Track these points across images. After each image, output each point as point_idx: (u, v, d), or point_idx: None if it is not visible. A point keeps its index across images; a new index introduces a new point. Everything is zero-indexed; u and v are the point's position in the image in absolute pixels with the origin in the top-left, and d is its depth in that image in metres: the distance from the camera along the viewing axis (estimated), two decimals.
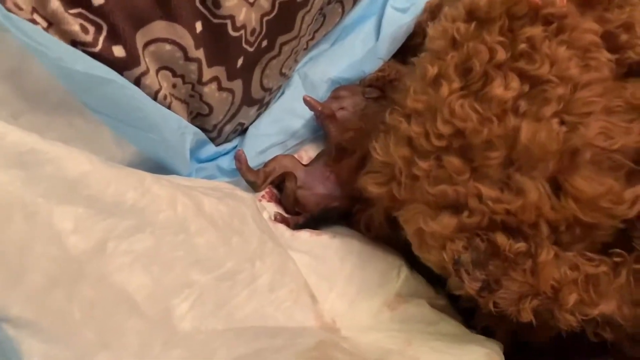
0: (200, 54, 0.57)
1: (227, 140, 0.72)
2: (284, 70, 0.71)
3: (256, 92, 0.68)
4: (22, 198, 0.38)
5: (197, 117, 0.64)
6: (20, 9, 0.45)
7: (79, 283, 0.39)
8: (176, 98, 0.59)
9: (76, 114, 0.48)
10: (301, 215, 0.65)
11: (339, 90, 0.75)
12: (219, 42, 0.58)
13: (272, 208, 0.65)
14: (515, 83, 0.42)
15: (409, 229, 0.49)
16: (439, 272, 0.50)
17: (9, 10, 0.43)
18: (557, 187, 0.42)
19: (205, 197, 0.50)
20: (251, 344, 0.44)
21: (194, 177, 0.61)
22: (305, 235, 0.60)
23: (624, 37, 0.47)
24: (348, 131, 0.63)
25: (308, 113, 0.73)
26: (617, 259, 0.44)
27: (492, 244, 0.43)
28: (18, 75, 0.45)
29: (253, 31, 0.60)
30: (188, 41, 0.55)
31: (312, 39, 0.76)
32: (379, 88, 0.74)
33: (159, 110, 0.52)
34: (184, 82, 0.58)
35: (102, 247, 0.42)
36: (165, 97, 0.56)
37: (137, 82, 0.53)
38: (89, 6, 0.48)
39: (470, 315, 0.58)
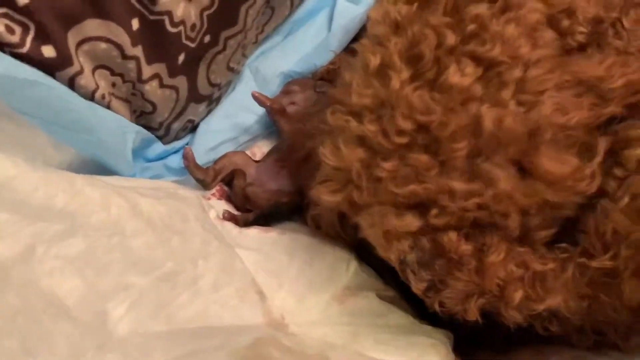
0: (138, 51, 0.56)
1: (177, 138, 0.71)
2: (231, 65, 0.70)
3: (203, 88, 0.67)
4: None
5: (142, 116, 0.63)
6: None
7: (3, 291, 0.38)
8: (116, 97, 0.58)
9: (6, 118, 0.47)
10: (252, 212, 0.64)
11: (290, 84, 0.74)
12: (157, 38, 0.57)
13: (221, 206, 0.64)
14: (470, 68, 0.40)
15: (375, 232, 0.46)
16: None
17: None
18: (522, 171, 0.41)
19: (143, 198, 0.50)
20: (188, 345, 0.44)
21: (138, 177, 0.60)
22: (253, 232, 0.60)
23: (565, 22, 0.46)
24: (289, 135, 0.61)
25: (260, 108, 0.72)
26: (563, 255, 0.44)
27: (437, 244, 0.42)
28: None
29: (193, 26, 0.59)
30: (124, 39, 0.54)
31: (261, 32, 0.75)
32: (330, 81, 0.73)
33: (93, 111, 0.51)
34: (124, 81, 0.57)
35: (30, 252, 0.41)
36: (103, 97, 0.55)
37: (71, 82, 0.52)
38: (13, 6, 0.47)
39: (422, 305, 0.58)
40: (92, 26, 0.52)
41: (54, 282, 0.42)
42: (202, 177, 0.65)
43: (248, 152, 0.72)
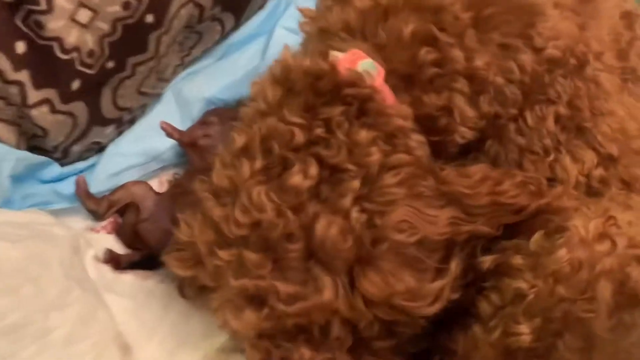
0: (22, 76, 0.52)
1: (81, 159, 0.67)
2: (143, 90, 0.66)
3: (109, 112, 0.64)
4: None
5: (34, 138, 0.59)
6: None
7: None
8: (1, 120, 0.54)
9: None
10: (138, 251, 0.61)
11: (209, 114, 0.71)
12: (46, 64, 0.53)
13: (109, 242, 0.61)
14: (313, 169, 0.38)
15: (218, 320, 0.44)
16: None
17: None
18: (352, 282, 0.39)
19: None
20: None
21: (16, 207, 0.56)
22: (130, 278, 0.56)
23: (443, 120, 0.45)
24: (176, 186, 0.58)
25: None
26: None
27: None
28: None
29: (91, 53, 0.55)
30: (4, 64, 0.50)
31: (187, 55, 0.72)
32: None
33: None
34: (8, 104, 0.54)
35: None
36: None
37: None
38: None
39: None
40: None
41: None
42: (93, 207, 0.61)
43: (155, 182, 0.68)
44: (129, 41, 0.58)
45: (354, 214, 0.37)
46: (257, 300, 0.38)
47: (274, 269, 0.38)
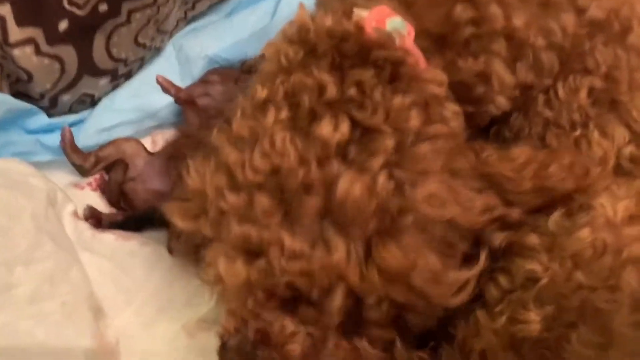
0: (4, 10, 0.48)
1: (72, 111, 0.63)
2: (140, 40, 0.62)
3: (102, 61, 0.59)
4: None
5: (18, 83, 0.56)
6: None
7: None
8: None
9: None
10: (123, 211, 0.57)
11: (210, 73, 0.66)
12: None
13: (92, 199, 0.57)
14: (345, 126, 0.35)
15: (210, 274, 0.40)
16: None
17: None
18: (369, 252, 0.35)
19: None
20: None
21: None
22: (110, 238, 0.52)
23: (480, 88, 0.41)
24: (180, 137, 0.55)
25: None
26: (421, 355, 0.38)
27: (264, 335, 0.36)
28: None
29: None
30: None
31: (192, 8, 0.67)
32: None
33: None
34: None
35: None
36: None
37: None
38: None
39: None
40: None
41: None
42: (79, 162, 0.57)
43: (148, 139, 0.64)
44: None
45: (382, 178, 0.34)
46: (254, 252, 0.35)
47: (284, 220, 0.34)
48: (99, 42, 0.57)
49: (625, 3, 0.44)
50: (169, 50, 0.69)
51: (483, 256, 0.36)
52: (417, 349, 0.39)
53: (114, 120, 0.63)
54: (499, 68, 0.40)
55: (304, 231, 0.34)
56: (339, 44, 0.37)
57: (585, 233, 0.34)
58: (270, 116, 0.37)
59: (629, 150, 0.43)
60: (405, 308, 0.35)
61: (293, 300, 0.35)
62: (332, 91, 0.36)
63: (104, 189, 0.59)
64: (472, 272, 0.35)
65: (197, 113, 0.64)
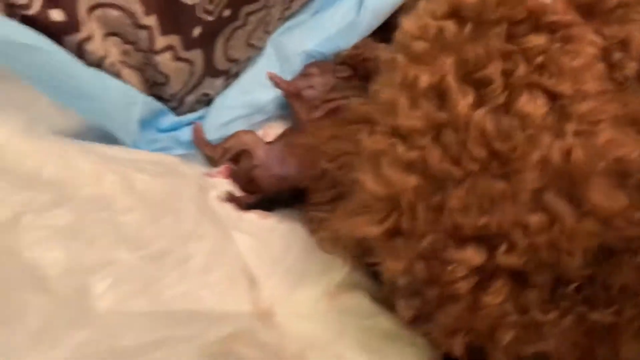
0: (151, 21, 0.55)
1: (191, 110, 0.69)
2: (251, 42, 0.68)
3: (221, 62, 0.66)
4: None
5: (155, 86, 0.62)
6: None
7: None
8: (128, 66, 0.57)
9: (8, 81, 0.46)
10: (254, 195, 0.63)
11: (309, 67, 0.72)
12: (172, 9, 0.55)
13: (226, 186, 0.63)
14: (541, 100, 0.37)
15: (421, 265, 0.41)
16: None
17: None
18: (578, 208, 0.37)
19: (139, 173, 0.49)
20: (164, 329, 0.43)
21: (144, 149, 0.59)
22: (252, 217, 0.59)
23: (617, 55, 0.42)
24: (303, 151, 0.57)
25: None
26: (565, 303, 0.39)
27: (433, 273, 0.39)
28: None
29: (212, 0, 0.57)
30: (137, 7, 0.53)
31: (288, 8, 0.73)
32: (351, 66, 0.71)
33: (97, 79, 0.51)
34: (136, 50, 0.56)
35: (16, 221, 0.41)
36: (112, 65, 0.54)
37: (79, 48, 0.51)
38: None
39: None
40: None
41: (37, 252, 0.41)
42: (210, 153, 0.64)
43: (260, 132, 0.71)
44: None
45: (570, 138, 0.36)
46: (485, 238, 0.37)
47: (513, 202, 0.36)
48: (220, 44, 0.64)
49: None
50: (269, 49, 0.75)
51: None
52: None
53: (230, 116, 0.70)
54: (639, 35, 0.42)
55: (529, 207, 0.36)
56: (508, 12, 0.39)
57: None
58: (462, 103, 0.37)
59: None
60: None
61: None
62: (522, 67, 0.37)
63: (234, 177, 0.65)
64: None
65: (303, 104, 0.70)
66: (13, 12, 0.47)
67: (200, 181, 0.57)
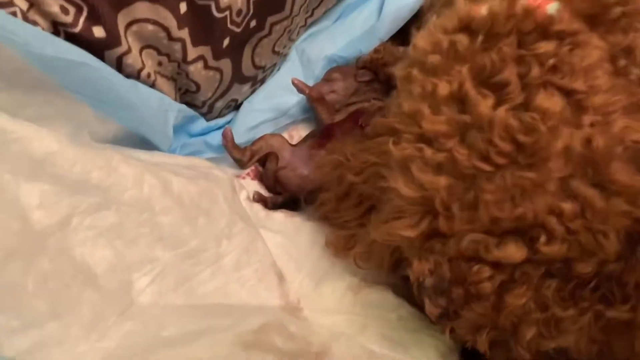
0: (184, 34, 0.58)
1: (220, 116, 0.73)
2: (276, 49, 0.71)
3: (247, 69, 0.69)
4: None
5: (186, 94, 0.66)
6: None
7: (38, 256, 0.42)
8: (162, 75, 0.61)
9: (54, 92, 0.50)
10: (281, 195, 0.66)
11: (332, 72, 0.75)
12: (203, 22, 0.59)
13: (254, 186, 0.67)
14: (556, 97, 0.40)
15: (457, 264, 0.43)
16: None
17: None
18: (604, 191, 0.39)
19: (175, 176, 0.53)
20: (202, 321, 0.47)
21: (177, 154, 0.63)
22: (279, 215, 0.62)
23: (622, 62, 0.44)
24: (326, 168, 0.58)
25: None
26: (583, 302, 0.41)
27: (458, 273, 0.41)
28: None
29: (239, 12, 0.61)
30: (171, 22, 0.56)
31: (310, 15, 0.76)
32: (372, 70, 0.74)
33: (136, 90, 0.54)
34: (170, 61, 0.60)
35: (67, 222, 0.45)
36: (148, 75, 0.58)
37: (119, 61, 0.55)
38: None
39: None
40: (142, 9, 0.54)
41: (86, 251, 0.45)
42: (239, 156, 0.68)
43: (286, 134, 0.74)
44: (270, 1, 0.63)
45: (587, 129, 0.39)
46: (521, 231, 0.39)
47: (547, 192, 0.38)
48: (247, 53, 0.67)
49: None
50: (293, 55, 0.78)
51: None
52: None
53: (257, 120, 0.73)
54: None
55: (559, 195, 0.38)
56: (519, 23, 0.42)
57: None
58: (484, 103, 0.40)
59: None
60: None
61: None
62: (536, 68, 0.40)
63: (262, 178, 0.69)
64: None
65: (325, 108, 0.73)
66: (58, 29, 0.51)
67: (231, 183, 0.60)
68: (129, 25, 0.54)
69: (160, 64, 0.59)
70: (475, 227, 0.40)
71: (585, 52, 0.42)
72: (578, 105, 0.40)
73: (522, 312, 0.41)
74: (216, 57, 0.63)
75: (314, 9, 0.75)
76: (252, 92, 0.74)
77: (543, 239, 0.38)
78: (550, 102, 0.39)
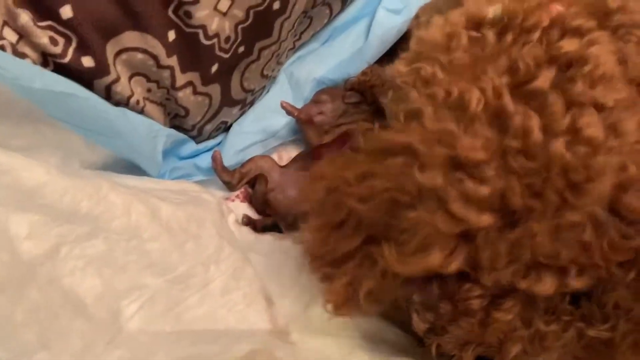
0: (172, 61, 0.59)
1: (210, 138, 0.74)
2: (265, 72, 0.72)
3: (236, 93, 0.70)
4: None
5: (176, 118, 0.67)
6: None
7: (27, 287, 0.43)
8: (151, 101, 0.62)
9: (43, 122, 0.51)
10: (270, 217, 0.67)
11: (320, 94, 0.76)
12: (192, 50, 0.60)
13: (243, 209, 0.68)
14: (596, 118, 0.38)
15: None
16: None
17: None
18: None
19: (164, 203, 0.53)
20: (190, 348, 0.48)
21: (167, 178, 0.64)
22: (268, 238, 0.63)
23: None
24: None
25: None
26: (566, 317, 0.42)
27: (446, 290, 0.41)
28: None
29: (227, 39, 0.62)
30: (160, 50, 0.57)
31: (298, 39, 0.78)
32: (359, 92, 0.75)
33: (125, 118, 0.55)
34: (159, 87, 0.61)
35: (56, 251, 0.46)
36: (137, 102, 0.59)
37: (108, 89, 0.56)
38: (57, 19, 0.51)
39: None
40: (130, 38, 0.55)
41: (75, 280, 0.46)
42: (228, 179, 0.68)
43: (275, 155, 0.75)
44: (258, 27, 0.64)
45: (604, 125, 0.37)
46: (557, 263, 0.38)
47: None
48: (235, 78, 0.68)
49: None
50: (282, 77, 0.79)
51: None
52: None
53: (246, 142, 0.74)
54: (634, 53, 0.42)
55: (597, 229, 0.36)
56: (537, 19, 0.41)
57: None
58: (533, 128, 0.36)
59: None
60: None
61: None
62: (578, 87, 0.37)
63: (251, 200, 0.70)
64: None
65: (314, 129, 0.74)
66: (47, 60, 0.52)
67: (219, 207, 0.61)
68: (118, 54, 0.55)
69: (149, 90, 0.60)
70: (516, 262, 0.38)
71: (604, 57, 0.40)
72: (614, 128, 0.37)
73: (508, 329, 0.41)
74: (205, 82, 0.64)
75: (302, 33, 0.76)
76: (242, 114, 0.75)
77: (573, 273, 0.37)
78: (595, 129, 0.36)
